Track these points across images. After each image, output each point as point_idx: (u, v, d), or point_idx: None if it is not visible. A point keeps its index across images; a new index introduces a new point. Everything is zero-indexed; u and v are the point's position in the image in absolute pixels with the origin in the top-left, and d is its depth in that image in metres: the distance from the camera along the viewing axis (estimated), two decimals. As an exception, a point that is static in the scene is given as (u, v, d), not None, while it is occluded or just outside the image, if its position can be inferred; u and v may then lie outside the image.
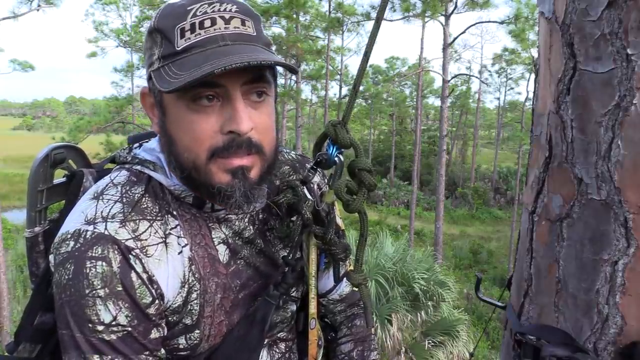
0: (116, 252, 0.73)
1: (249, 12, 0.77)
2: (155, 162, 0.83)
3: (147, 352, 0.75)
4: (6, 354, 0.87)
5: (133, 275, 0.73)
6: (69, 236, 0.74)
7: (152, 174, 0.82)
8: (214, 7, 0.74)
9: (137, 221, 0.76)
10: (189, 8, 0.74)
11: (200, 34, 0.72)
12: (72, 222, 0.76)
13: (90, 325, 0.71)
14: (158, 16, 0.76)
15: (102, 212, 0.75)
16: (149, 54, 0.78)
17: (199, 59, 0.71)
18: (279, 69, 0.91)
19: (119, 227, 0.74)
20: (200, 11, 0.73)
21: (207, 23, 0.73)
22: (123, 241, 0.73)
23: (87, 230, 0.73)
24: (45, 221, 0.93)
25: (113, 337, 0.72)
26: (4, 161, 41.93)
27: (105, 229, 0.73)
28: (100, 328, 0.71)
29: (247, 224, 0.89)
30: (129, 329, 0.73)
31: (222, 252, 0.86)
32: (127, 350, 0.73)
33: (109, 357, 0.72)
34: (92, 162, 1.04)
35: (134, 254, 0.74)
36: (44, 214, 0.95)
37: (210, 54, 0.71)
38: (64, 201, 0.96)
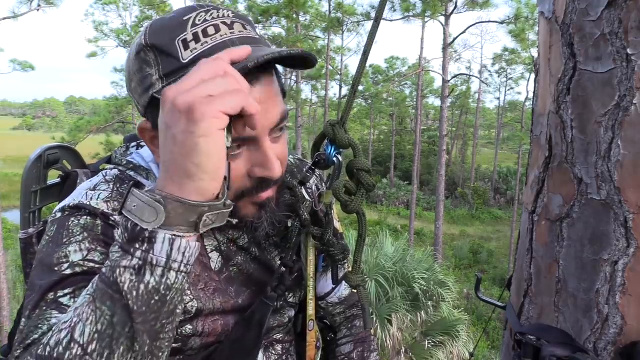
0: (98, 214, 0.73)
1: (245, 18, 0.75)
2: (149, 169, 0.83)
3: None
4: (0, 357, 0.86)
5: (116, 231, 0.72)
6: (57, 211, 0.75)
7: (144, 181, 0.82)
8: (212, 14, 0.70)
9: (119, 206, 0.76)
10: (185, 18, 0.68)
11: (207, 42, 0.67)
12: (62, 204, 0.77)
13: (56, 268, 0.67)
14: (147, 33, 0.69)
15: (91, 197, 0.76)
16: (142, 77, 0.70)
17: None
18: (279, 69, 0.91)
19: (102, 202, 0.75)
20: (199, 19, 0.69)
21: (211, 30, 0.68)
22: (101, 209, 0.74)
23: (73, 201, 0.74)
24: (39, 222, 0.93)
25: (77, 269, 0.67)
26: (4, 161, 41.96)
27: (89, 202, 0.74)
28: (65, 266, 0.67)
29: (241, 232, 0.89)
30: (99, 265, 0.68)
31: (215, 260, 0.85)
32: (84, 282, 0.64)
33: (66, 290, 0.66)
34: (90, 162, 1.04)
35: (113, 219, 0.74)
36: (38, 215, 0.94)
37: None
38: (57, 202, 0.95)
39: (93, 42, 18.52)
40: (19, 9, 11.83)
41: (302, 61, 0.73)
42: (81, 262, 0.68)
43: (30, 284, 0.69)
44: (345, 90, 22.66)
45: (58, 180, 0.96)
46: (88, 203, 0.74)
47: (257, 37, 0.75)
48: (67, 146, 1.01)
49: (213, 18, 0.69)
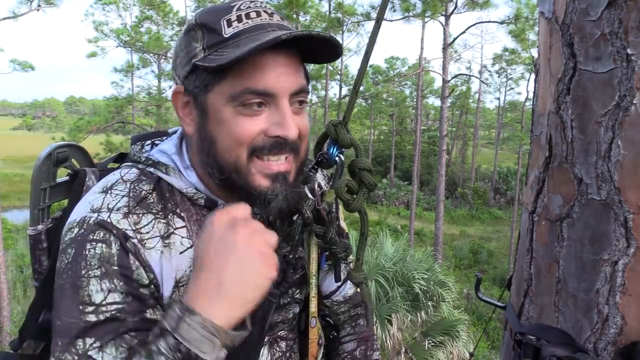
0: (116, 237, 0.75)
1: (284, 16, 0.84)
2: (169, 164, 0.85)
3: (132, 334, 0.72)
4: (11, 351, 0.87)
5: (131, 258, 0.75)
6: (75, 224, 0.76)
7: (164, 176, 0.84)
8: (256, 3, 0.81)
9: (141, 215, 0.78)
10: (232, 4, 0.80)
11: (248, 22, 0.78)
12: (79, 212, 0.78)
13: (80, 307, 0.71)
14: (198, 15, 0.81)
15: (108, 204, 0.78)
16: (187, 51, 0.80)
17: (250, 40, 0.75)
18: None
19: (122, 219, 0.76)
20: (244, 5, 0.80)
21: (253, 14, 0.79)
22: (122, 229, 0.76)
23: (91, 217, 0.76)
24: (48, 219, 0.94)
25: (101, 317, 0.71)
26: (4, 161, 41.97)
27: (109, 217, 0.76)
28: (89, 309, 0.71)
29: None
30: (121, 305, 0.72)
31: None
32: (110, 333, 0.71)
33: (95, 343, 0.70)
34: (94, 161, 1.05)
35: (132, 242, 0.76)
36: (47, 212, 0.95)
37: (260, 36, 0.75)
38: (66, 200, 0.96)
39: (93, 42, 18.52)
40: (19, 9, 11.84)
41: (325, 49, 0.79)
42: (104, 308, 0.72)
43: (59, 311, 0.73)
44: (345, 91, 22.66)
45: (67, 178, 0.98)
46: (109, 220, 0.75)
47: (293, 28, 0.82)
48: (76, 145, 1.03)
49: (256, 6, 0.81)
